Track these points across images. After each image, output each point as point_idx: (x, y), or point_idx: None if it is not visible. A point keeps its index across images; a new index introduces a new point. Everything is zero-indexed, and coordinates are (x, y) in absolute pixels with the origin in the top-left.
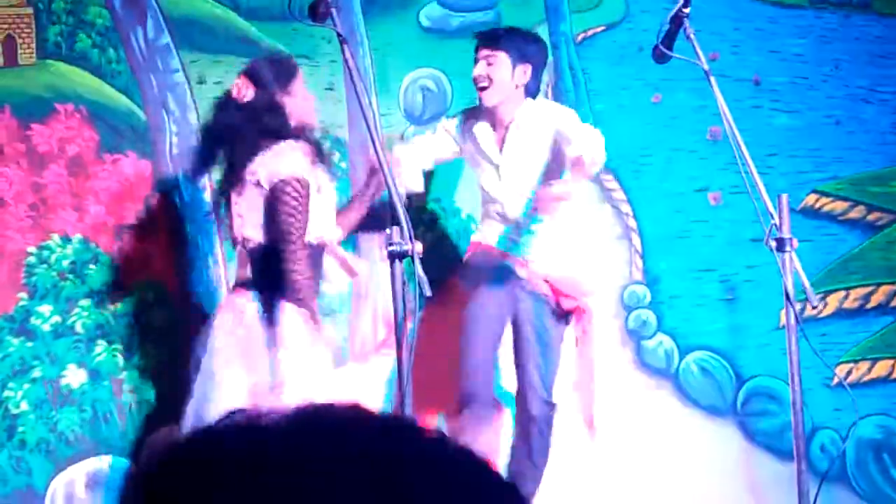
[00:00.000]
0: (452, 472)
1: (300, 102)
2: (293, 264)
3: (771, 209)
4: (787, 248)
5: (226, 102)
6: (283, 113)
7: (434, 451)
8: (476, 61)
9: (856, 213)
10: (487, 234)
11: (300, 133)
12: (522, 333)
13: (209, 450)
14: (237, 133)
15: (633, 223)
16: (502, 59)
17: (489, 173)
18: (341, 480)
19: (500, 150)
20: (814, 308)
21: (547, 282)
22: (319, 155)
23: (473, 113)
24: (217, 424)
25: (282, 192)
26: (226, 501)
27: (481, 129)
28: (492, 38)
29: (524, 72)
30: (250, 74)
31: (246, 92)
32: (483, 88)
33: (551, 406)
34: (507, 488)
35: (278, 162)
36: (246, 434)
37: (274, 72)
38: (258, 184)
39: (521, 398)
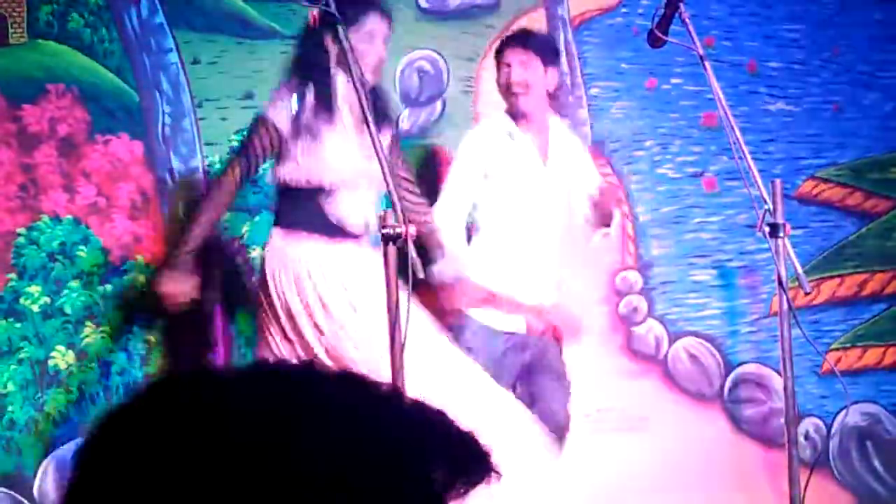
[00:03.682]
0: (407, 425)
1: (361, 46)
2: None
3: (764, 195)
4: (781, 234)
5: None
6: (327, 56)
7: (388, 404)
8: (506, 65)
9: (854, 200)
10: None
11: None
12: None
13: (166, 399)
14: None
15: (625, 208)
16: (536, 62)
17: (528, 182)
18: (298, 432)
19: (545, 160)
20: (806, 294)
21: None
22: (324, 101)
23: (502, 121)
24: (180, 377)
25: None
26: (180, 450)
27: (520, 137)
28: (523, 41)
29: (551, 76)
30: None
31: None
32: (519, 94)
33: None
34: (467, 439)
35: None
36: (205, 386)
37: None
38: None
39: None
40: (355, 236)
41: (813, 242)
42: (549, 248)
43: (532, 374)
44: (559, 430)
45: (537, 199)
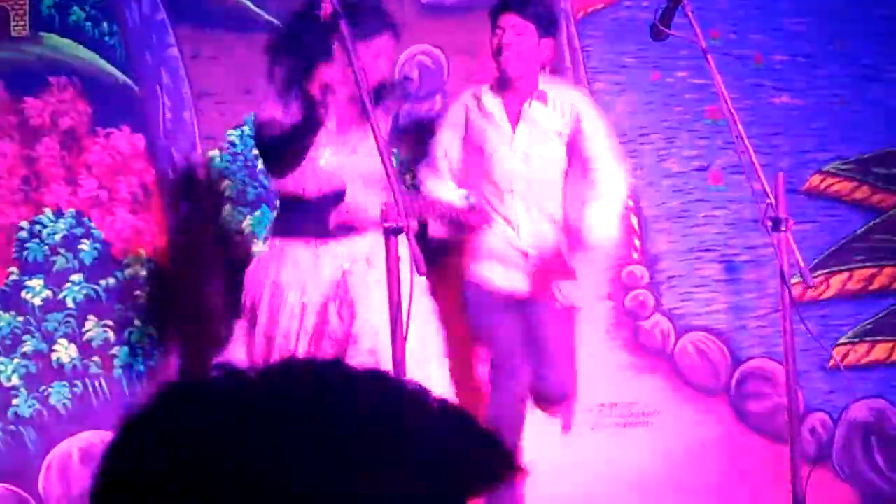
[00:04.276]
0: (432, 423)
1: (365, 58)
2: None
3: (767, 189)
4: (783, 228)
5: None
6: (324, 56)
7: (414, 402)
8: (501, 28)
9: (861, 194)
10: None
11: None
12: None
13: (196, 397)
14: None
15: (631, 202)
16: (530, 29)
17: (499, 148)
18: (321, 430)
19: (514, 124)
20: (809, 288)
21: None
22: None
23: (482, 88)
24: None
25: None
26: (209, 449)
27: (493, 102)
28: (520, 7)
29: (545, 46)
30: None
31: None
32: (508, 58)
33: None
34: (488, 439)
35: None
36: (231, 384)
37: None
38: None
39: None
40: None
41: (821, 237)
42: (536, 211)
43: (534, 338)
44: (558, 399)
45: (501, 160)
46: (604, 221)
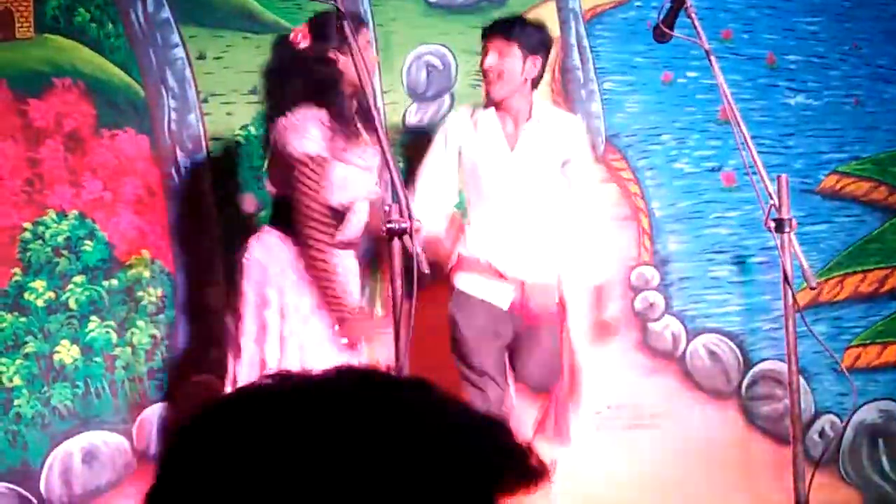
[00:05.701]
0: (472, 431)
1: (355, 62)
2: (315, 261)
3: (769, 189)
4: (786, 230)
5: (282, 45)
6: (324, 73)
7: (455, 412)
8: (486, 51)
9: (877, 195)
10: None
11: (338, 94)
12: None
13: (243, 411)
14: (280, 77)
15: (641, 204)
16: (514, 51)
17: (496, 168)
18: (370, 439)
19: (512, 146)
20: (812, 289)
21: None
22: (343, 119)
23: (478, 107)
24: (252, 386)
25: (298, 171)
26: (253, 460)
27: (490, 122)
28: (504, 30)
29: (534, 64)
30: (313, 26)
31: (302, 40)
32: (492, 80)
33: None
34: (523, 450)
35: (293, 135)
36: (276, 396)
37: (334, 28)
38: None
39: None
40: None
41: (837, 238)
42: (526, 228)
43: (517, 350)
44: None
45: (502, 182)
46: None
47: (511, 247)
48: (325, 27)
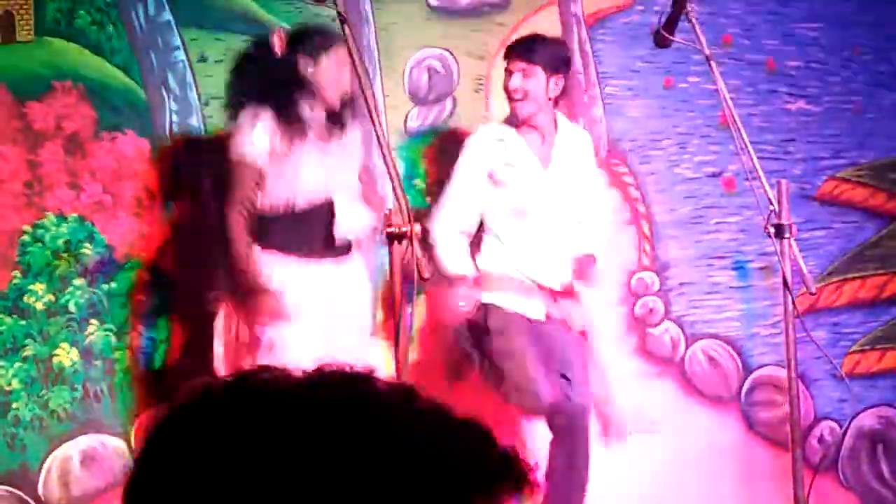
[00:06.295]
0: (453, 437)
1: (327, 74)
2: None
3: (769, 195)
4: (786, 235)
5: (254, 50)
6: (279, 73)
7: (436, 418)
8: (509, 73)
9: (875, 201)
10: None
11: (289, 95)
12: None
13: (236, 405)
14: (238, 77)
15: (642, 208)
16: (538, 71)
17: (531, 187)
18: (350, 441)
19: (545, 164)
20: (812, 295)
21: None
22: (290, 120)
23: (505, 126)
24: (246, 380)
25: (234, 173)
26: (243, 454)
27: (518, 142)
28: (527, 51)
29: (556, 83)
30: (292, 36)
31: (279, 49)
32: (517, 100)
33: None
34: (510, 457)
35: (235, 138)
36: (270, 393)
37: (311, 39)
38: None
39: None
40: (342, 252)
41: (836, 244)
42: (558, 247)
43: (550, 360)
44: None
45: (538, 202)
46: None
47: (547, 261)
48: (303, 37)
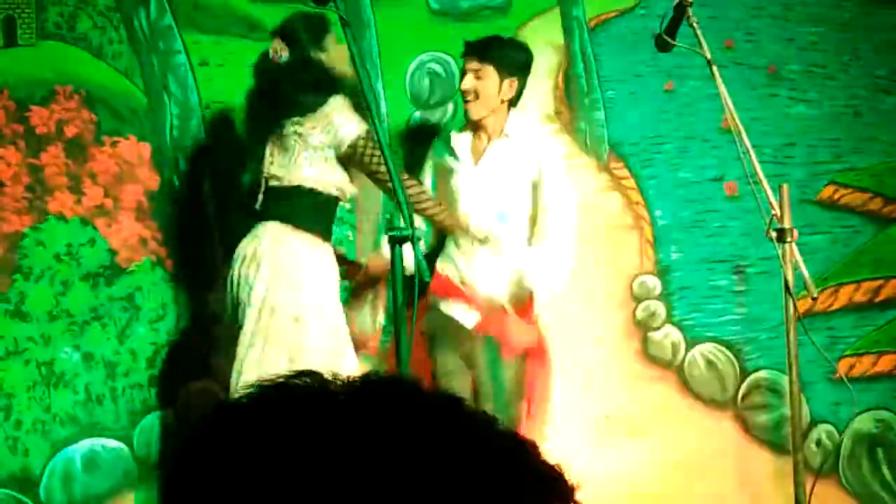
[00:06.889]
0: (502, 455)
1: (334, 56)
2: (421, 203)
3: (771, 200)
4: (788, 239)
5: (264, 66)
6: (320, 68)
7: (483, 429)
8: (463, 73)
9: (874, 205)
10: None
11: (337, 85)
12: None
13: (280, 410)
14: (278, 92)
15: (643, 212)
16: (490, 72)
17: (461, 183)
18: (395, 452)
19: (477, 161)
20: (813, 300)
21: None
22: (358, 106)
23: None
24: (288, 383)
25: (364, 148)
26: (287, 462)
27: (464, 140)
28: (480, 50)
29: (510, 85)
30: (283, 35)
31: (282, 53)
32: (468, 101)
33: None
34: (554, 473)
35: (341, 121)
36: (316, 399)
37: (305, 29)
38: (310, 138)
39: None
40: None
41: (835, 248)
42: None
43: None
44: None
45: (467, 197)
46: (543, 269)
47: (476, 265)
48: (295, 31)
